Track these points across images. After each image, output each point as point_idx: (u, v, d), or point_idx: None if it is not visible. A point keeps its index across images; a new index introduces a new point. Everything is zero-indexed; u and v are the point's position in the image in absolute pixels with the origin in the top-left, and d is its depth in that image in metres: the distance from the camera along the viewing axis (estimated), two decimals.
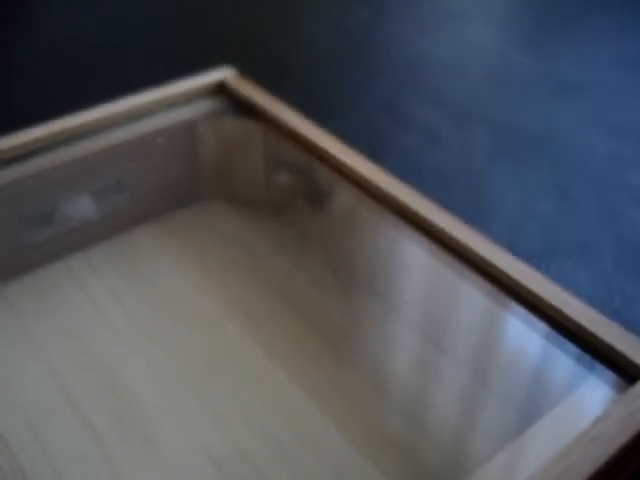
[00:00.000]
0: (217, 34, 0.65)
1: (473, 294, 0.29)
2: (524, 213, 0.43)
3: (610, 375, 0.24)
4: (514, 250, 0.40)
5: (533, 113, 0.54)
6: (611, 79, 0.58)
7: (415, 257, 0.32)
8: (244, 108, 0.38)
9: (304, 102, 0.55)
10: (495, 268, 0.28)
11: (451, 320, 0.31)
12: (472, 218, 0.42)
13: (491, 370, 0.29)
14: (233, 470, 0.27)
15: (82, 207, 0.36)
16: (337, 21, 0.68)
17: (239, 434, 0.28)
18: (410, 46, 0.64)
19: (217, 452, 0.27)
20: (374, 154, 0.48)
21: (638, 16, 0.70)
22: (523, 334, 0.27)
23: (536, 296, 0.26)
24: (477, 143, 0.50)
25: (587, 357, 0.25)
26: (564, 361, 0.25)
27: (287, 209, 0.38)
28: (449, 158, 0.48)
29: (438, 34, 0.66)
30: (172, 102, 0.38)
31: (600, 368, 0.24)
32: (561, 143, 0.50)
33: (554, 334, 0.26)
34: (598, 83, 0.58)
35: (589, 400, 0.23)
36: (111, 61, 0.59)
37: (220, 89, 0.39)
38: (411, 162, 0.48)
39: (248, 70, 0.43)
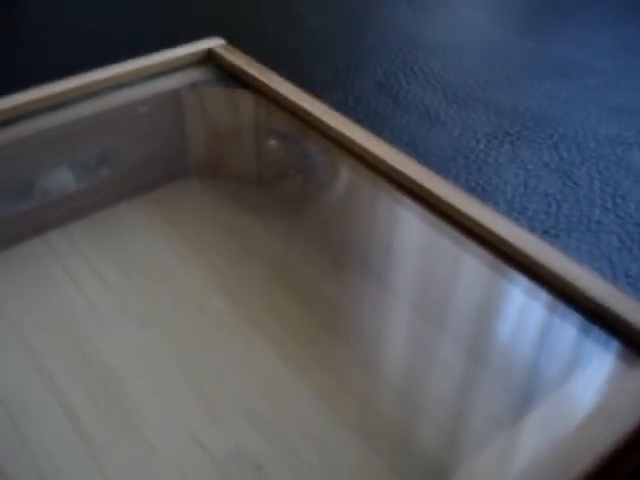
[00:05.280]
0: (213, 17, 0.63)
1: (474, 265, 0.27)
2: (525, 193, 0.42)
3: (621, 347, 0.22)
4: None
5: (533, 94, 0.52)
6: (611, 61, 0.57)
7: (413, 228, 0.30)
8: (232, 77, 0.36)
9: (299, 83, 0.53)
10: (498, 237, 0.26)
11: (450, 293, 0.29)
12: None
13: (496, 345, 0.27)
14: (219, 451, 0.25)
15: (62, 180, 0.34)
16: (333, 4, 0.67)
17: (225, 415, 0.26)
18: (406, 28, 0.62)
19: (202, 433, 0.26)
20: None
21: (638, 1, 0.69)
22: (529, 306, 0.25)
23: (542, 266, 0.25)
24: (476, 124, 0.49)
25: (596, 329, 0.23)
26: (572, 334, 0.24)
27: (278, 182, 0.37)
28: (448, 138, 0.47)
29: (435, 16, 0.65)
30: (158, 71, 0.36)
31: (610, 340, 0.23)
32: (562, 124, 0.49)
33: (562, 306, 0.24)
34: (598, 65, 0.56)
35: (600, 374, 0.22)
36: (106, 42, 0.58)
37: (208, 58, 0.37)
38: (409, 142, 0.46)
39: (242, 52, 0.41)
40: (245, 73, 0.36)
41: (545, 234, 0.38)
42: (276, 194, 0.37)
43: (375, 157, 0.31)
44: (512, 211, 0.40)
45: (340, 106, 0.50)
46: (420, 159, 0.44)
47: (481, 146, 0.46)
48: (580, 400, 0.20)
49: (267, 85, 0.35)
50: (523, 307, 0.26)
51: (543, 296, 0.25)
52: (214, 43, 0.38)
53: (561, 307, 0.24)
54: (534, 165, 0.44)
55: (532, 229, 0.39)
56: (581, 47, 0.59)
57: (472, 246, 0.27)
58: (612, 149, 0.46)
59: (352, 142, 0.32)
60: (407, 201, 0.30)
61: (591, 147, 0.46)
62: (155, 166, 0.37)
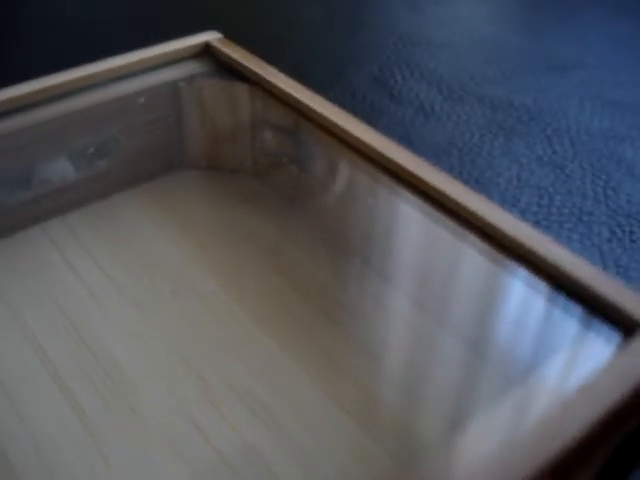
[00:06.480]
0: (211, 12, 0.64)
1: (469, 254, 0.28)
2: (518, 185, 0.42)
3: (607, 329, 0.23)
4: None
5: (527, 89, 0.53)
6: (607, 57, 0.58)
7: (408, 218, 0.31)
8: (229, 70, 0.37)
9: (296, 78, 0.53)
10: (490, 225, 0.27)
11: (446, 281, 0.30)
12: None
13: (487, 330, 0.28)
14: (218, 437, 0.26)
15: (61, 170, 0.35)
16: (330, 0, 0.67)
17: (225, 403, 0.27)
18: (403, 25, 0.63)
19: (202, 420, 0.26)
20: None
21: None
22: (518, 290, 0.26)
23: (531, 251, 0.25)
24: (471, 118, 0.49)
25: (584, 311, 0.24)
26: (559, 315, 0.24)
27: (275, 173, 0.37)
28: (442, 132, 0.47)
29: (431, 13, 0.65)
30: (155, 64, 0.37)
31: (597, 322, 0.23)
32: (555, 118, 0.49)
33: (550, 289, 0.25)
34: (594, 61, 0.57)
35: (586, 354, 0.22)
36: (105, 37, 0.58)
37: (205, 52, 0.38)
38: (404, 136, 0.47)
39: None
40: (242, 66, 0.36)
41: (537, 225, 0.39)
42: (273, 185, 0.38)
43: (371, 148, 0.31)
44: (505, 203, 0.41)
45: (336, 100, 0.50)
46: (415, 152, 0.45)
47: (475, 140, 0.47)
48: (563, 380, 0.21)
49: (264, 78, 0.35)
50: (510, 289, 0.27)
51: (530, 278, 0.25)
52: (211, 36, 0.38)
53: (548, 289, 0.25)
54: (527, 158, 0.45)
55: (524, 220, 0.39)
56: (576, 43, 0.60)
57: (467, 235, 0.28)
58: (605, 143, 0.47)
59: (348, 134, 0.32)
60: (402, 191, 0.30)
61: (584, 141, 0.47)
62: (153, 157, 0.37)
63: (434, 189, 0.29)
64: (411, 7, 0.66)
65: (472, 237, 0.28)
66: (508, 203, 0.41)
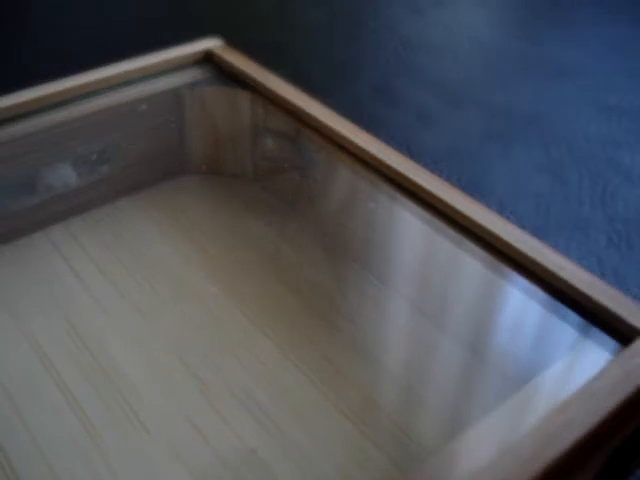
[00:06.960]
0: (209, 15, 0.64)
1: (466, 260, 0.28)
2: (516, 191, 0.43)
3: (605, 337, 0.23)
4: None
5: (526, 95, 0.53)
6: (604, 62, 0.58)
7: (405, 223, 0.31)
8: (231, 77, 0.37)
9: (296, 84, 0.54)
10: (489, 232, 0.27)
11: (442, 286, 0.30)
12: None
13: (485, 336, 0.28)
14: (218, 441, 0.26)
15: (64, 176, 0.35)
16: (330, 5, 0.67)
17: (226, 406, 0.27)
18: (403, 29, 0.63)
19: (203, 423, 0.26)
20: None
21: (632, 1, 0.70)
22: (517, 298, 0.26)
23: (530, 259, 0.26)
24: (469, 123, 0.49)
25: (581, 320, 0.24)
26: (559, 324, 0.24)
27: (275, 179, 0.38)
28: (441, 138, 0.48)
29: (431, 17, 0.65)
30: (158, 70, 0.37)
31: (594, 330, 0.24)
32: (553, 124, 0.50)
33: (548, 297, 0.25)
34: (592, 66, 0.57)
35: (584, 361, 0.22)
36: (105, 42, 0.59)
37: (207, 58, 0.38)
38: (403, 142, 0.47)
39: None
40: (243, 73, 0.37)
41: (535, 231, 0.39)
42: (273, 190, 0.38)
43: (370, 155, 0.32)
44: (503, 210, 0.41)
45: (336, 105, 0.51)
46: (414, 158, 0.45)
47: (474, 145, 0.47)
48: (561, 386, 0.21)
49: (264, 84, 0.36)
50: (512, 299, 0.27)
51: (530, 287, 0.26)
52: (212, 43, 0.39)
53: (548, 299, 0.25)
54: (525, 164, 0.45)
55: (522, 227, 0.40)
56: (575, 48, 0.60)
57: (465, 241, 0.28)
58: (602, 148, 0.47)
59: (347, 140, 0.33)
60: (401, 197, 0.31)
61: (581, 146, 0.47)
62: (155, 163, 0.38)
63: (432, 196, 0.30)
64: (412, 11, 0.66)
65: (470, 244, 0.28)
66: (507, 210, 0.41)
